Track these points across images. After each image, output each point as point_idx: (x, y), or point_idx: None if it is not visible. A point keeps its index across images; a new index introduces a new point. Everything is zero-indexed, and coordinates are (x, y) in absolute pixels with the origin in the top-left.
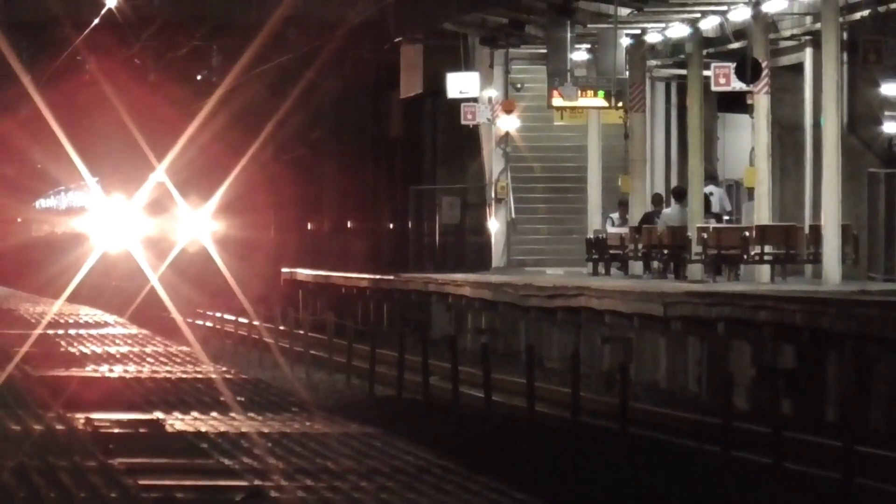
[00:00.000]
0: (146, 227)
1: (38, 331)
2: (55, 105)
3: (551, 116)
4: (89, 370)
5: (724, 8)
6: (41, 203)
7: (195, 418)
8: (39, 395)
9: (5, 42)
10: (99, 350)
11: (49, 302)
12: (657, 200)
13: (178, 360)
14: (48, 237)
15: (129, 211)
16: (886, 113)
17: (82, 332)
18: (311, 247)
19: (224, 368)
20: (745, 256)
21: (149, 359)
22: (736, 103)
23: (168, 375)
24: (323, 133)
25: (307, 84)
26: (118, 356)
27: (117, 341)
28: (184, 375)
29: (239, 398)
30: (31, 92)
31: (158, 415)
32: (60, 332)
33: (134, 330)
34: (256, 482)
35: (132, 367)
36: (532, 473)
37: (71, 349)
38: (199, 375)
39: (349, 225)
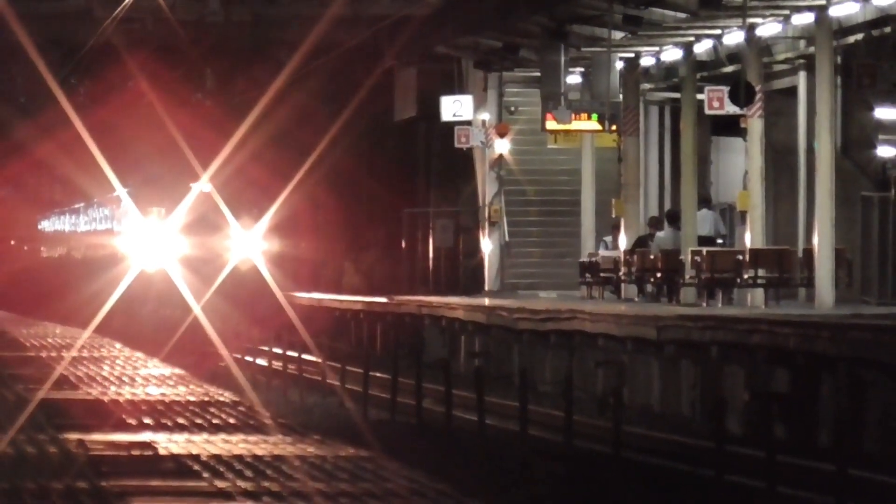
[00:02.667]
0: (183, 245)
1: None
2: (84, 113)
3: (545, 140)
4: (81, 393)
5: (718, 32)
6: (54, 221)
7: (188, 440)
8: (35, 417)
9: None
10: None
11: (70, 333)
12: (653, 223)
13: (172, 383)
14: (66, 258)
15: (166, 226)
16: (880, 137)
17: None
18: (304, 269)
19: (217, 390)
20: (739, 280)
21: (139, 378)
22: (730, 127)
23: (161, 398)
24: (317, 155)
25: (302, 107)
26: (112, 378)
27: (118, 363)
28: (176, 398)
29: (231, 420)
30: (54, 89)
31: (151, 436)
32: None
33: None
34: None
35: (126, 389)
36: (525, 496)
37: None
38: (192, 398)
39: (343, 247)
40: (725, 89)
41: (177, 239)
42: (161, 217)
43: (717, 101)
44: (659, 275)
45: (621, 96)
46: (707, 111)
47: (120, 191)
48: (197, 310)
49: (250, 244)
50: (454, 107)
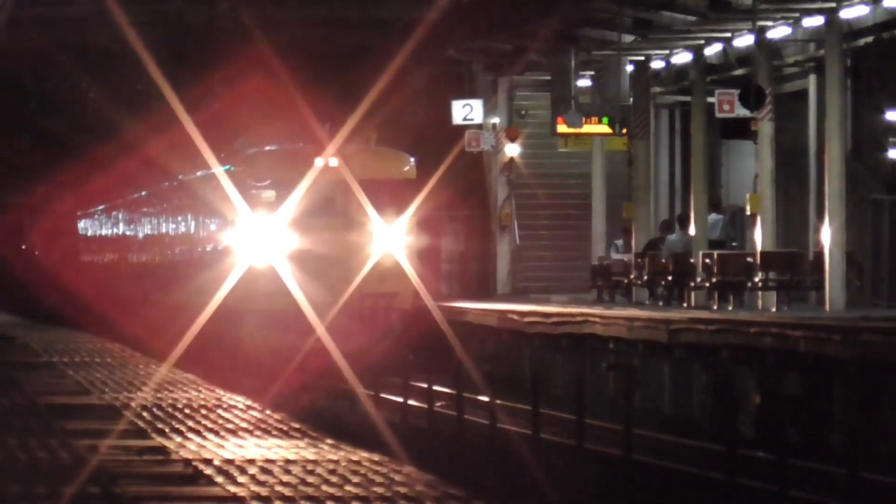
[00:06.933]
0: (298, 240)
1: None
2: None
3: (555, 143)
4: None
5: (728, 35)
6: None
7: (200, 445)
8: (47, 422)
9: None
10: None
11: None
12: (664, 226)
13: (182, 386)
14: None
15: (278, 215)
16: (890, 139)
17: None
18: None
19: (227, 393)
20: (749, 283)
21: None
22: (740, 130)
23: (173, 402)
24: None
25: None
26: (111, 382)
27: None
28: (188, 401)
29: (244, 424)
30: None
31: (163, 441)
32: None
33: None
34: None
35: (135, 394)
36: (536, 499)
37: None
38: (203, 402)
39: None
40: (736, 92)
41: (289, 232)
42: (270, 203)
43: (728, 104)
44: (670, 278)
45: (631, 99)
46: (717, 114)
47: (216, 168)
48: (321, 329)
49: (391, 238)
50: (464, 111)
